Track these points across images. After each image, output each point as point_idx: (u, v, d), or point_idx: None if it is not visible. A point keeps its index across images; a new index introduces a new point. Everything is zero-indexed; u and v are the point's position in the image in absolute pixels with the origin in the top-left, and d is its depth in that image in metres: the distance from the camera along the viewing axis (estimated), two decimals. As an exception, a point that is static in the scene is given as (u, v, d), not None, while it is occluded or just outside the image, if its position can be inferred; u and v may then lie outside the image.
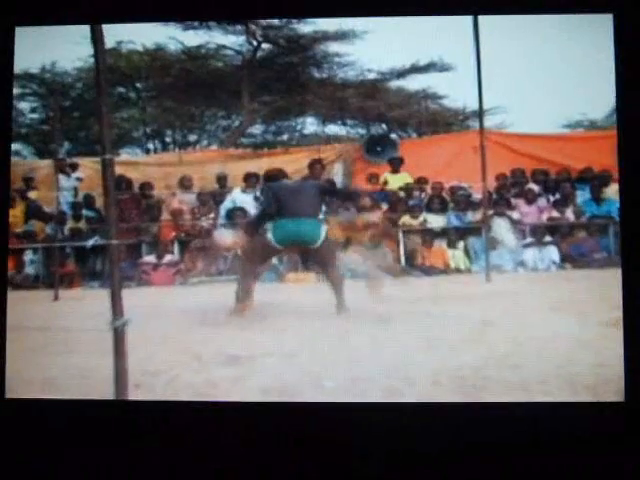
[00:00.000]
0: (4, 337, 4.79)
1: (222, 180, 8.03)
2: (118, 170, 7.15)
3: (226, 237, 7.13)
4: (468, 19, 5.99)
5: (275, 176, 7.37)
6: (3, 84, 4.87)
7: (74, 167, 7.91)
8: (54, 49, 5.92)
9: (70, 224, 7.88)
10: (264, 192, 6.67)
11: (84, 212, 7.92)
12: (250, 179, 8.03)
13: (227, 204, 7.99)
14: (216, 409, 4.51)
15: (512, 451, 4.18)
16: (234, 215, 7.79)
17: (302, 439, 4.28)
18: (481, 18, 5.94)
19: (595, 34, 4.87)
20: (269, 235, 6.37)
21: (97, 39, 4.87)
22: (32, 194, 8.02)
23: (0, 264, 4.95)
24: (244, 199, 7.99)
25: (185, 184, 8.09)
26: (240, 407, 4.50)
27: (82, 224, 7.87)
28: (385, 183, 8.12)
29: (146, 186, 7.99)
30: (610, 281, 5.55)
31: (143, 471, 4.30)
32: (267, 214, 6.57)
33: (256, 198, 7.96)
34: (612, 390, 4.61)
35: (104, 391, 4.67)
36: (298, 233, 6.35)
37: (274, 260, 7.46)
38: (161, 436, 4.38)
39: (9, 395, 4.71)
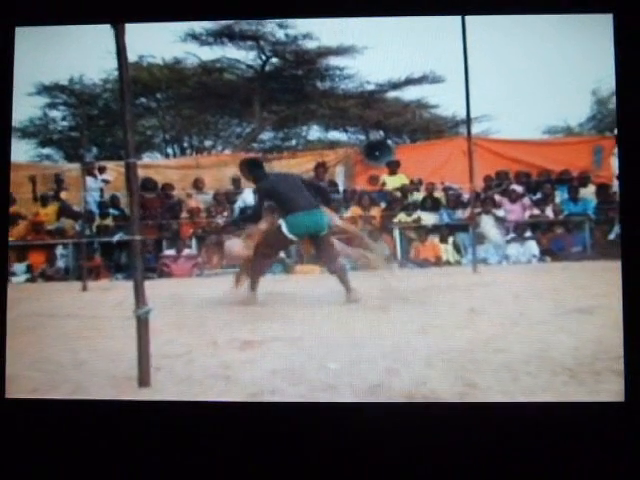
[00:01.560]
0: (4, 337, 4.71)
1: (236, 182, 8.07)
2: (141, 172, 7.20)
3: (237, 246, 7.17)
4: (458, 36, 6.04)
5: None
6: (3, 84, 4.82)
7: (102, 170, 7.95)
8: (81, 63, 5.95)
9: (97, 222, 7.92)
10: (261, 193, 6.70)
11: (110, 211, 7.96)
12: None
13: (239, 204, 8.05)
14: (216, 409, 4.45)
15: (512, 451, 4.14)
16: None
17: (302, 439, 4.26)
18: (469, 36, 6.01)
19: (574, 35, 4.91)
20: (284, 229, 6.44)
21: (121, 53, 4.93)
22: (63, 194, 8.06)
23: (0, 264, 4.88)
24: (249, 198, 8.05)
25: (198, 185, 8.14)
26: (240, 407, 4.45)
27: (108, 221, 7.91)
28: (383, 184, 8.17)
29: (167, 187, 8.04)
30: (585, 272, 5.63)
31: (143, 471, 4.27)
32: (248, 216, 6.68)
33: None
34: (587, 370, 4.66)
35: (128, 373, 4.73)
36: (311, 223, 6.45)
37: (282, 254, 7.51)
38: (161, 436, 4.34)
39: (9, 395, 4.61)
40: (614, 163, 6.81)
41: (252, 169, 6.75)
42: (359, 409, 4.39)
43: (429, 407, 4.36)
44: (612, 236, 7.33)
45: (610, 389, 4.38)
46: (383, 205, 8.09)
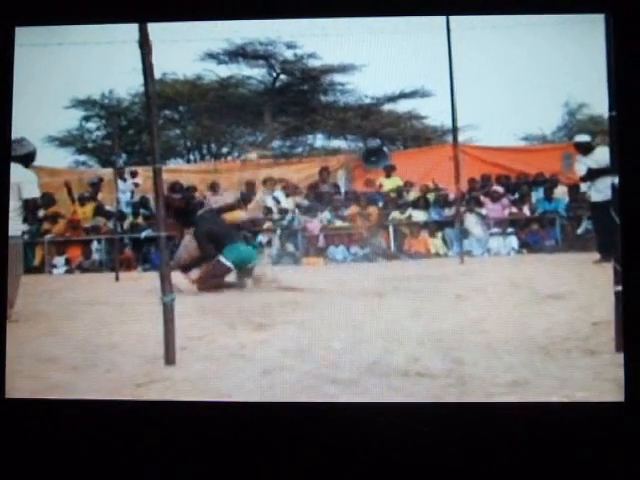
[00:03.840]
0: (4, 337, 4.55)
1: (250, 185, 8.13)
2: (167, 176, 7.26)
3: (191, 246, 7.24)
4: (445, 54, 6.09)
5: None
6: (3, 84, 4.63)
7: (134, 174, 8.00)
8: (111, 79, 5.99)
9: (130, 220, 7.98)
10: (202, 236, 6.85)
11: (141, 210, 8.01)
12: (267, 183, 8.16)
13: (253, 204, 8.09)
14: (217, 409, 4.37)
15: (511, 451, 4.05)
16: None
17: (302, 439, 4.19)
18: (454, 51, 6.06)
19: (549, 48, 4.94)
20: (223, 260, 6.61)
21: (147, 70, 4.99)
22: (99, 196, 8.11)
23: (0, 264, 4.63)
24: (263, 199, 8.11)
25: (214, 188, 8.18)
26: (240, 407, 4.38)
27: (139, 220, 7.95)
28: (380, 186, 8.20)
29: (190, 189, 8.09)
30: (557, 263, 5.68)
31: (143, 471, 4.19)
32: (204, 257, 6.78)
33: (274, 198, 8.10)
34: (559, 349, 4.71)
35: (156, 353, 4.79)
36: (246, 253, 6.63)
37: (291, 247, 7.58)
38: (161, 436, 4.25)
39: (9, 394, 4.46)
40: (577, 167, 6.83)
41: (185, 220, 6.93)
42: (359, 409, 4.34)
43: (428, 407, 4.34)
44: (580, 231, 7.37)
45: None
46: (380, 204, 8.12)
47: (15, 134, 5.40)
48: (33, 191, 6.16)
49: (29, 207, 6.16)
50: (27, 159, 6.01)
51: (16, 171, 5.73)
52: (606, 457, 3.99)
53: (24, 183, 6.05)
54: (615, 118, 4.32)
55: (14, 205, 5.96)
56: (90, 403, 4.45)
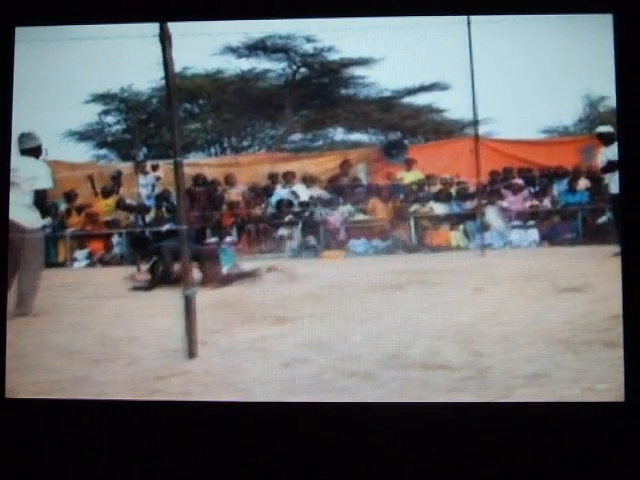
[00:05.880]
0: (4, 337, 4.62)
1: (273, 177, 8.17)
2: (188, 170, 7.29)
3: None
4: (465, 47, 6.09)
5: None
6: (3, 84, 4.70)
7: (155, 167, 8.05)
8: (130, 73, 6.03)
9: (152, 213, 8.02)
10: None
11: (164, 203, 8.05)
12: (287, 176, 8.20)
13: (272, 198, 8.14)
14: (217, 409, 4.42)
15: (511, 451, 4.10)
16: (282, 205, 7.99)
17: (304, 439, 4.27)
18: (474, 45, 6.07)
19: (569, 41, 4.94)
20: None
21: (168, 64, 5.03)
22: (121, 189, 8.16)
23: (0, 263, 4.77)
24: (282, 193, 8.15)
25: (230, 181, 8.21)
26: (241, 407, 4.44)
27: (161, 213, 7.98)
28: (401, 179, 8.21)
29: (214, 182, 8.13)
30: (578, 255, 5.69)
31: (143, 471, 4.25)
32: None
33: (293, 192, 8.14)
34: (579, 341, 4.73)
35: (177, 346, 4.83)
36: None
37: (314, 239, 7.61)
38: (161, 436, 4.32)
39: (9, 394, 4.54)
40: (600, 159, 6.82)
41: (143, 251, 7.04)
42: (359, 409, 4.40)
43: (428, 407, 4.36)
44: (602, 220, 7.36)
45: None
46: (401, 197, 8.13)
47: (32, 129, 5.49)
48: (45, 182, 6.23)
49: (42, 198, 6.22)
50: (37, 152, 6.08)
51: (28, 164, 5.81)
52: (606, 457, 4.03)
53: (37, 175, 6.13)
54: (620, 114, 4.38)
55: (29, 199, 6.03)
56: (90, 403, 4.50)
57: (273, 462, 4.23)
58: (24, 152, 6.02)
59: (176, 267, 6.44)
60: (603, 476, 4.04)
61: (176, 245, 6.29)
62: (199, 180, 7.98)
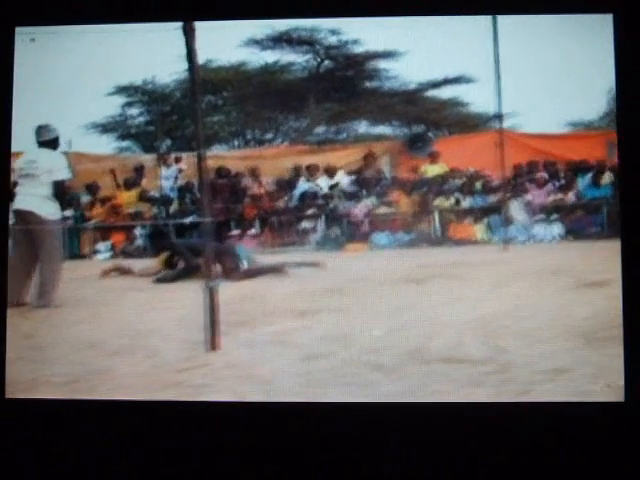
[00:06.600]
0: (4, 337, 4.58)
1: (297, 170, 8.19)
2: (211, 162, 7.30)
3: None
4: (490, 40, 6.07)
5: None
6: (3, 84, 4.67)
7: (178, 160, 8.07)
8: (153, 65, 6.04)
9: (175, 205, 8.04)
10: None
11: (187, 195, 8.07)
12: (311, 169, 8.21)
13: (296, 191, 8.15)
14: (217, 409, 4.41)
15: (511, 451, 4.10)
16: (305, 198, 8.00)
17: (305, 439, 4.25)
18: (499, 39, 6.05)
19: (594, 35, 4.91)
20: None
21: (192, 56, 5.04)
22: (144, 182, 8.18)
23: (0, 263, 4.71)
24: (305, 185, 8.16)
25: (255, 174, 8.23)
26: (242, 407, 4.44)
27: (184, 205, 8.01)
28: (425, 172, 8.20)
29: (238, 175, 8.15)
30: (601, 250, 5.65)
31: (143, 471, 4.24)
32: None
33: (317, 185, 8.14)
34: (600, 337, 4.71)
35: (198, 338, 4.85)
36: None
37: (337, 231, 7.61)
38: (160, 436, 4.30)
39: (9, 394, 4.51)
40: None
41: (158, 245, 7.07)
42: (360, 409, 4.38)
43: (428, 407, 4.35)
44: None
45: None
46: (424, 190, 8.13)
47: (54, 121, 5.52)
48: (64, 173, 6.26)
49: (61, 189, 6.25)
50: (55, 143, 6.11)
51: (46, 155, 5.84)
52: (606, 457, 4.02)
53: (55, 166, 6.16)
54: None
55: (48, 190, 6.06)
56: (90, 403, 4.49)
57: (286, 462, 4.22)
58: (42, 144, 6.06)
59: (197, 261, 6.47)
60: (603, 476, 4.03)
61: (190, 242, 6.33)
62: (222, 172, 8.00)
